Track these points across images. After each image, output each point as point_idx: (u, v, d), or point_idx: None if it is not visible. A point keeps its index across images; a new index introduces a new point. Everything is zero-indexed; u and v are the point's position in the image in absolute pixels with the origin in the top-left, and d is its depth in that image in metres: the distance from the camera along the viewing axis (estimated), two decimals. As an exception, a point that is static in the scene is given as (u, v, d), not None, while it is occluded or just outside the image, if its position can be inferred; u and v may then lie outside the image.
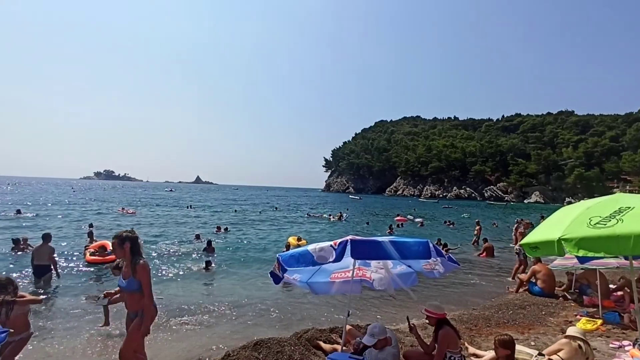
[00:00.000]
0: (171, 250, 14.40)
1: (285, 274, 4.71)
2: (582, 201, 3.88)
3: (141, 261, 3.74)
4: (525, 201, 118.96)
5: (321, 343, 5.61)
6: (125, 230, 3.93)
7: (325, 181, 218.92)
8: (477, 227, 20.79)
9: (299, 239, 16.66)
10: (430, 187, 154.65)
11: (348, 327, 5.40)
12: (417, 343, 4.56)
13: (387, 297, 8.22)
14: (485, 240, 17.12)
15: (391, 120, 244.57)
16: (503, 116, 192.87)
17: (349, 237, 3.69)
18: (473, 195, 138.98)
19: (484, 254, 15.84)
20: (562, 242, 3.06)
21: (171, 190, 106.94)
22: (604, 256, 5.53)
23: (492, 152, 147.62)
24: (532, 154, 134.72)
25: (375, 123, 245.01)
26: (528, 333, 6.21)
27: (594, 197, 4.18)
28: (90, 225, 18.90)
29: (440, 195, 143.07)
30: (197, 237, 17.40)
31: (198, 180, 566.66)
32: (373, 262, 5.21)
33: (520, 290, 9.40)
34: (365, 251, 3.65)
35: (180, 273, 10.99)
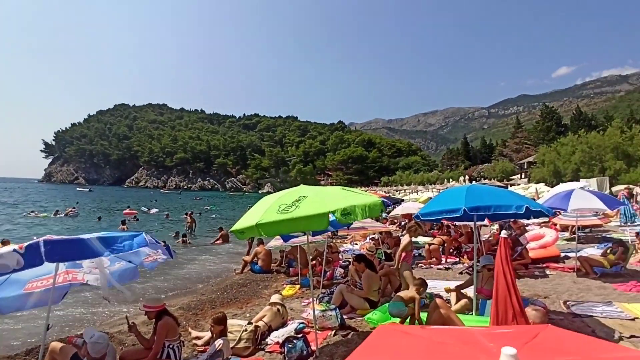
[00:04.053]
0: None
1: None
2: (276, 192, 4.78)
3: None
4: (260, 192, 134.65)
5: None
6: None
7: (45, 170, 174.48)
8: (189, 219, 21.44)
9: (4, 242, 12.24)
10: (175, 179, 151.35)
11: (58, 344, 4.55)
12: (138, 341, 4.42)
13: (100, 299, 7.27)
14: (221, 228, 18.34)
15: (134, 105, 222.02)
16: (244, 114, 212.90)
17: (42, 238, 3.10)
18: (216, 186, 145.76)
19: (220, 240, 16.92)
20: (259, 226, 3.72)
21: None
22: (293, 234, 7.00)
23: (234, 146, 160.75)
24: (266, 151, 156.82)
25: (115, 106, 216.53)
26: (246, 307, 7.12)
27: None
28: None
29: (185, 187, 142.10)
30: None
31: None
32: (85, 262, 4.61)
33: (245, 270, 10.64)
34: (65, 252, 3.16)
35: None
